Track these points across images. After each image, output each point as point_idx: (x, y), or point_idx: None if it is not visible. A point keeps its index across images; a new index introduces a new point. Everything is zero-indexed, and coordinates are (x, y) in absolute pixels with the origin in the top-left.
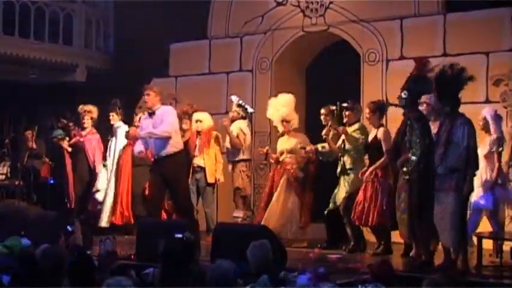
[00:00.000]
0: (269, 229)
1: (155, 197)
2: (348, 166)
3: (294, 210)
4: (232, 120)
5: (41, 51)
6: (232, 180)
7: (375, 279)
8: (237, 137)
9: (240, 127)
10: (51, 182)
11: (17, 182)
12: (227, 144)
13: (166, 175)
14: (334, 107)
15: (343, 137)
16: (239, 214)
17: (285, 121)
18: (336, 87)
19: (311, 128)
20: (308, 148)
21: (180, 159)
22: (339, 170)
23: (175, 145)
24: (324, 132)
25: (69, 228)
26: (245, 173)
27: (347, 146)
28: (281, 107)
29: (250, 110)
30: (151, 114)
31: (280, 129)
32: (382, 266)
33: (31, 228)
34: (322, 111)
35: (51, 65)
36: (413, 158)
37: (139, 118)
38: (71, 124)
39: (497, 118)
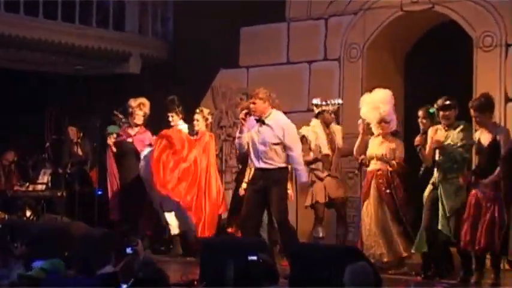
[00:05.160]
0: (360, 251)
1: (251, 215)
2: (445, 178)
3: (388, 227)
4: (328, 124)
5: (87, 38)
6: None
7: None
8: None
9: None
10: (100, 193)
11: (59, 193)
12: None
13: (268, 189)
14: (432, 109)
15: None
16: (322, 234)
17: (384, 121)
18: (442, 80)
19: (410, 130)
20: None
21: (286, 174)
22: (431, 185)
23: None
24: (416, 140)
25: (129, 250)
26: None
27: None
28: (381, 104)
29: (338, 101)
30: (262, 123)
31: (377, 131)
32: None
33: (75, 249)
34: (420, 113)
35: (99, 54)
36: None
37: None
38: (123, 119)
39: None
